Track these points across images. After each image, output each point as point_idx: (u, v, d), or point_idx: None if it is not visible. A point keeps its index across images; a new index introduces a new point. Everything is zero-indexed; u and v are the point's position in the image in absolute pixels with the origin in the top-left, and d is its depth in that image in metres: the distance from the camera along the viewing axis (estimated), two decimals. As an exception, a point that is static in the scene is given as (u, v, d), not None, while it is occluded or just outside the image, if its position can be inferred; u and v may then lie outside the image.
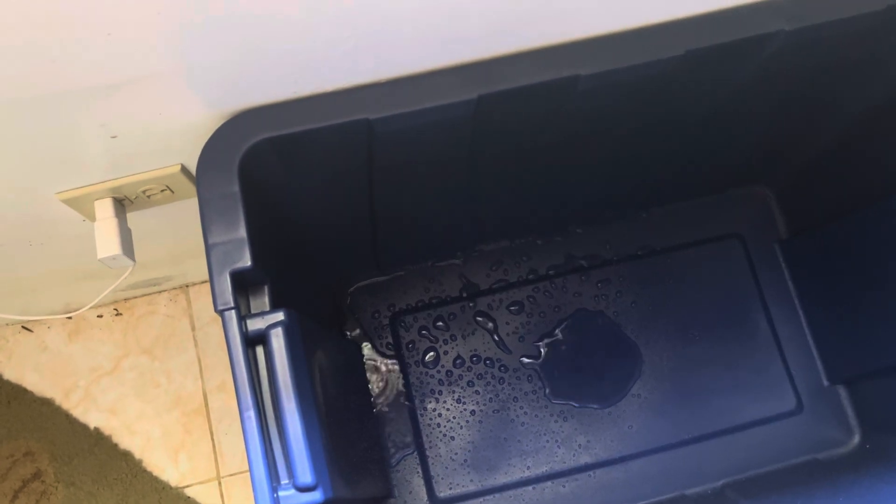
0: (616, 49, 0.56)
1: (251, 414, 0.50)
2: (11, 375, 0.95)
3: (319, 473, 0.50)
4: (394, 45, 0.52)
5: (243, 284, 0.54)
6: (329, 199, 0.68)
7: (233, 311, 0.51)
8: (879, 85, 0.72)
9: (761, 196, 0.99)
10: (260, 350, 0.53)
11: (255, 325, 0.52)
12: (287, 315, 0.53)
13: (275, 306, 0.55)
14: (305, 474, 0.49)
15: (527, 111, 0.60)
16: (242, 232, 0.52)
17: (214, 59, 0.49)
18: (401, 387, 0.92)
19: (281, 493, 0.50)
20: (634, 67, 0.57)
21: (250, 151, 0.54)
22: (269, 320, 0.52)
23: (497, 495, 0.89)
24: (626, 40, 0.56)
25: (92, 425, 0.94)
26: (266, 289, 0.55)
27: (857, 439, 0.91)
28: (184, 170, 0.61)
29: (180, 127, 0.55)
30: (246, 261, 0.51)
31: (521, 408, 0.91)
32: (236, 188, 0.53)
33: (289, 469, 0.50)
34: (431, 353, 0.93)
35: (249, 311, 0.55)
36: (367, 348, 0.93)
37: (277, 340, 0.52)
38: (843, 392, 0.93)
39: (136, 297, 0.98)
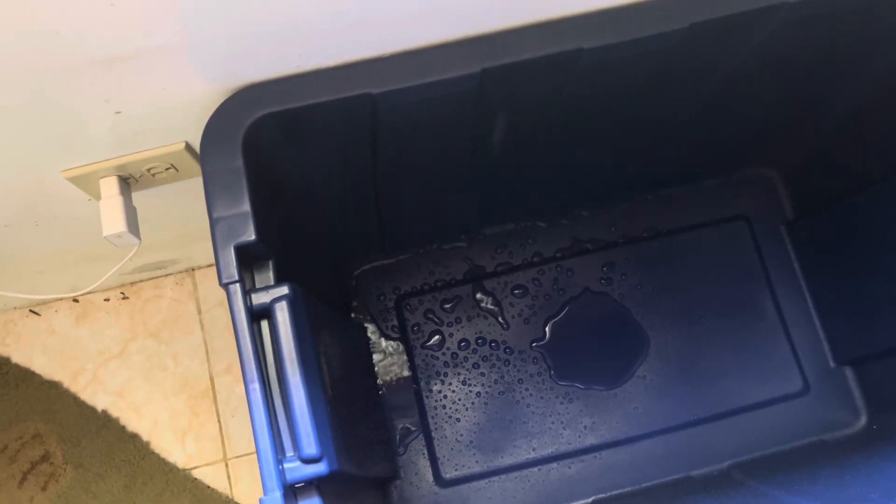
0: (620, 22, 0.56)
1: (256, 386, 0.50)
2: (20, 359, 0.96)
3: (324, 446, 0.51)
4: (397, 18, 0.52)
5: (248, 259, 0.54)
6: (333, 177, 0.68)
7: (237, 285, 0.51)
8: (885, 62, 0.72)
9: (767, 178, 0.99)
10: (265, 325, 0.53)
11: (259, 298, 0.52)
12: (292, 289, 0.53)
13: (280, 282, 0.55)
14: (310, 446, 0.50)
15: (531, 86, 0.59)
16: (246, 206, 0.52)
17: (217, 33, 0.49)
18: (406, 369, 0.92)
19: (286, 465, 0.50)
20: (638, 41, 0.56)
21: (253, 126, 0.54)
22: (274, 294, 0.52)
23: (503, 476, 0.89)
24: (630, 13, 0.56)
25: (100, 408, 0.94)
26: (270, 264, 0.55)
27: (863, 420, 0.91)
28: (188, 147, 0.61)
29: (184, 102, 0.55)
30: (250, 234, 0.52)
31: (527, 389, 0.92)
32: (240, 163, 0.53)
33: (294, 441, 0.50)
34: (437, 336, 0.93)
35: (254, 286, 0.55)
36: (372, 331, 0.93)
37: (282, 314, 0.52)
38: (849, 373, 0.93)
39: (142, 281, 0.98)
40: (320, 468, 0.50)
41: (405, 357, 0.93)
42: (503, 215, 0.95)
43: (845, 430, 0.91)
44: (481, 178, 0.78)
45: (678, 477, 0.89)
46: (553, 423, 0.91)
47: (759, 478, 0.84)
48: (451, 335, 0.93)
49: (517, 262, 0.95)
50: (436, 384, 0.92)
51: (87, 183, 0.62)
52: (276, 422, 0.51)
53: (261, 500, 0.48)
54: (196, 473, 0.93)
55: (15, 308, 0.98)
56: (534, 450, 0.90)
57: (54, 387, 0.95)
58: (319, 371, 0.58)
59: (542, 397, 0.91)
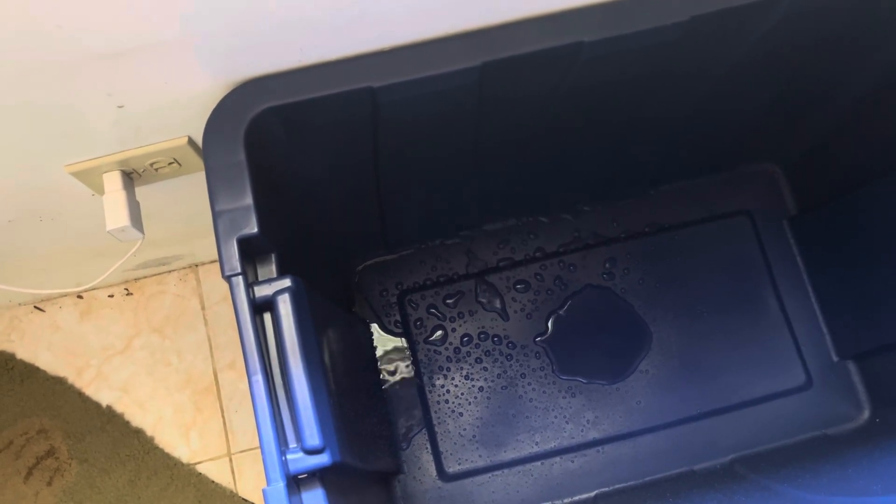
0: (620, 15, 0.56)
1: (259, 378, 0.50)
2: (24, 354, 0.97)
3: (327, 437, 0.51)
4: (398, 12, 0.52)
5: (250, 253, 0.55)
6: (334, 171, 0.69)
7: (240, 277, 0.51)
8: (888, 55, 0.71)
9: (770, 173, 0.99)
10: (268, 318, 0.54)
11: (262, 291, 0.53)
12: (294, 281, 0.53)
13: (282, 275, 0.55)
14: (313, 437, 0.50)
15: (531, 80, 0.59)
16: (249, 199, 0.53)
17: (219, 28, 0.49)
18: (409, 364, 0.92)
19: (289, 456, 0.50)
20: (639, 34, 0.56)
21: (255, 121, 0.54)
22: (277, 286, 0.53)
23: (506, 470, 0.89)
24: (631, 6, 0.56)
25: (104, 403, 0.95)
26: (273, 257, 0.56)
27: (866, 414, 0.91)
28: (191, 142, 0.61)
29: (186, 97, 0.55)
30: (252, 227, 0.52)
31: (529, 384, 0.92)
32: (242, 157, 0.53)
33: (297, 433, 0.51)
34: (439, 331, 0.93)
35: (257, 278, 0.55)
36: (375, 326, 0.93)
37: (285, 306, 0.52)
38: (852, 367, 0.93)
39: (146, 277, 0.99)
40: (323, 459, 0.50)
41: (408, 352, 0.93)
42: (505, 210, 0.95)
43: (848, 425, 0.91)
44: (482, 173, 0.78)
45: (681, 471, 0.89)
46: (556, 417, 0.91)
47: (761, 472, 0.84)
48: (453, 330, 0.93)
49: (519, 258, 0.96)
50: (438, 379, 0.92)
51: (90, 178, 0.62)
52: (279, 413, 0.51)
53: (264, 491, 0.48)
54: (200, 468, 0.94)
55: (20, 304, 0.98)
56: (537, 444, 0.90)
57: (59, 382, 0.95)
58: (322, 364, 0.58)
59: (544, 392, 0.92)
